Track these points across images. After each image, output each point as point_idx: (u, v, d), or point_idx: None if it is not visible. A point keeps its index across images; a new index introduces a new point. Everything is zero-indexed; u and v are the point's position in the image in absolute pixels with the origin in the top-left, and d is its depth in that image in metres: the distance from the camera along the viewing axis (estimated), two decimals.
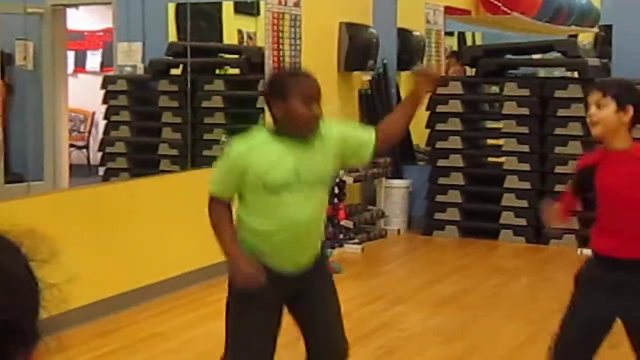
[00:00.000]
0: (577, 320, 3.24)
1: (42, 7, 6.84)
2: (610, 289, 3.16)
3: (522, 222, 7.75)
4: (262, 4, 7.04)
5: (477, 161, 8.26)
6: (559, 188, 7.34)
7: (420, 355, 4.77)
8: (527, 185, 7.72)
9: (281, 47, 7.07)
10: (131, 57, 7.29)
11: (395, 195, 8.27)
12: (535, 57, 9.08)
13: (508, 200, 7.80)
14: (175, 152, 7.18)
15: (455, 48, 10.71)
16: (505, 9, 9.57)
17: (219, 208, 3.12)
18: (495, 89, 8.47)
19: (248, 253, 3.08)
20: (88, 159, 8.01)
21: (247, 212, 3.09)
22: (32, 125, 6.74)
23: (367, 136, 3.22)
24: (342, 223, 7.29)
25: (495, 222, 7.84)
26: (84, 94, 7.77)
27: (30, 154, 6.66)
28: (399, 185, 8.32)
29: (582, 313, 3.23)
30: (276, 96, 3.04)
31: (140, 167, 7.36)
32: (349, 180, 7.41)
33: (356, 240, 7.38)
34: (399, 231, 8.19)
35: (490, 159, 8.43)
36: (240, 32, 7.79)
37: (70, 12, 7.43)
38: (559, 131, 7.38)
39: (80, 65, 8.06)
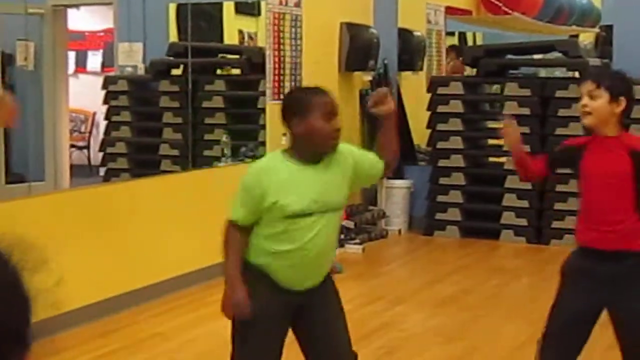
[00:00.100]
0: (563, 311, 3.27)
1: (43, 7, 6.84)
2: (595, 280, 3.19)
3: (523, 222, 7.75)
4: (262, 4, 7.04)
5: (477, 161, 8.26)
6: (559, 188, 7.36)
7: (420, 355, 4.77)
8: (527, 185, 7.70)
9: (282, 47, 7.07)
10: (132, 57, 7.30)
11: (396, 195, 8.27)
12: (536, 57, 9.08)
13: (509, 200, 7.80)
14: (175, 152, 7.19)
15: (457, 44, 10.70)
16: (506, 9, 9.57)
17: (235, 234, 3.11)
18: (496, 89, 8.47)
19: (257, 272, 3.08)
20: (89, 159, 8.02)
21: (263, 235, 3.08)
22: (33, 125, 6.74)
23: (373, 157, 3.26)
24: (343, 223, 7.29)
25: (496, 222, 7.84)
26: (85, 94, 7.77)
27: (30, 154, 6.67)
28: (400, 185, 8.32)
29: (568, 305, 3.25)
30: (295, 113, 3.04)
31: (141, 167, 7.37)
32: None
33: (357, 240, 7.38)
34: (399, 231, 8.19)
35: (491, 159, 8.43)
36: (240, 32, 7.79)
37: (71, 12, 7.43)
38: (559, 131, 7.37)
39: (81, 65, 8.07)
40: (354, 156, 3.19)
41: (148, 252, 5.71)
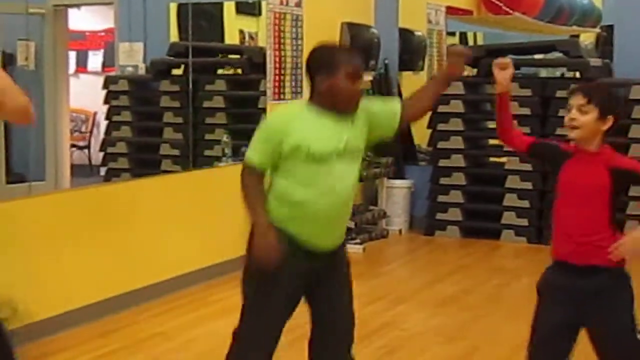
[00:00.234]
0: (542, 329, 3.25)
1: (44, 7, 6.84)
2: (570, 295, 3.17)
3: (524, 222, 7.75)
4: (263, 3, 7.04)
5: (478, 161, 8.25)
6: None
7: (421, 355, 4.76)
8: (528, 185, 7.71)
9: (282, 47, 7.07)
10: (132, 57, 7.30)
11: (396, 195, 8.27)
12: (537, 57, 9.08)
13: (509, 200, 7.80)
14: (176, 152, 7.18)
15: (457, 44, 10.70)
16: (507, 9, 9.56)
17: (252, 178, 3.10)
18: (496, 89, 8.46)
19: (278, 227, 3.08)
20: (89, 158, 8.01)
21: (286, 183, 3.09)
22: (34, 125, 6.73)
23: (393, 109, 3.26)
24: None
25: (497, 222, 7.84)
26: (85, 93, 7.77)
27: (31, 154, 6.67)
28: (401, 185, 8.32)
29: (546, 322, 3.24)
30: (322, 69, 3.07)
31: (142, 167, 7.36)
32: None
33: (357, 240, 7.38)
34: (400, 231, 8.19)
35: (492, 159, 8.43)
36: (241, 32, 7.79)
37: (72, 12, 7.43)
38: (560, 131, 7.31)
39: (82, 65, 8.07)
40: (372, 106, 3.23)
41: (149, 251, 5.71)
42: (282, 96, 7.10)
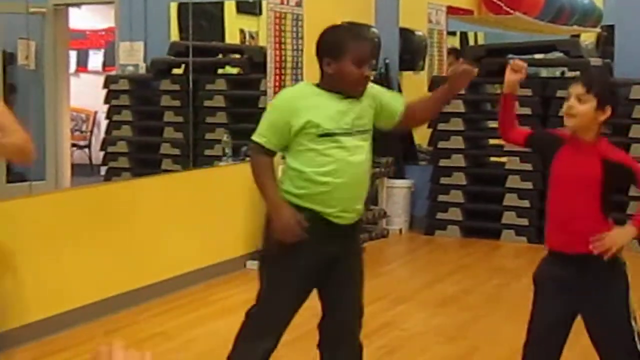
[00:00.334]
0: (539, 319, 3.29)
1: (44, 6, 6.84)
2: (564, 284, 3.21)
3: (524, 221, 7.75)
4: (263, 3, 7.04)
5: (478, 161, 8.25)
6: None
7: (421, 355, 4.76)
8: (528, 185, 7.71)
9: (283, 46, 7.07)
10: (133, 56, 7.30)
11: (396, 194, 8.27)
12: (537, 56, 9.08)
13: (510, 199, 7.80)
14: (176, 152, 7.19)
15: (457, 46, 10.70)
16: (508, 9, 9.55)
17: (262, 159, 3.16)
18: (497, 88, 8.46)
19: (296, 205, 3.14)
20: (90, 158, 8.02)
21: (300, 161, 3.13)
22: (34, 124, 6.74)
23: (396, 107, 3.32)
24: None
25: (497, 221, 7.84)
26: (86, 93, 7.77)
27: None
28: (401, 184, 8.32)
29: (543, 312, 3.28)
30: (330, 53, 3.11)
31: (142, 167, 7.37)
32: None
33: None
34: (400, 231, 8.19)
35: (492, 159, 8.43)
36: (242, 31, 7.79)
37: (72, 11, 7.43)
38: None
39: (82, 65, 8.07)
40: (379, 93, 3.28)
41: (149, 251, 5.71)
42: None
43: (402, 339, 5.01)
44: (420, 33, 9.43)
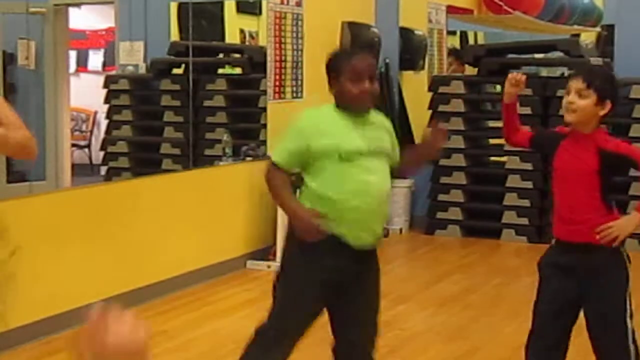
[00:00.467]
0: (542, 307, 3.33)
1: (44, 6, 6.83)
2: (567, 271, 3.25)
3: (524, 221, 7.75)
4: (263, 3, 7.03)
5: (479, 160, 8.25)
6: None
7: (422, 354, 4.77)
8: (529, 185, 7.71)
9: (283, 46, 7.07)
10: (133, 56, 7.29)
11: (397, 194, 8.26)
12: (537, 56, 9.07)
13: (510, 199, 7.80)
14: (176, 151, 7.18)
15: (457, 47, 10.70)
16: (508, 8, 9.55)
17: (278, 174, 3.18)
18: (497, 88, 8.47)
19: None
20: (90, 158, 8.01)
21: (320, 182, 3.15)
22: (34, 124, 6.73)
23: (395, 154, 3.38)
24: None
25: (497, 221, 7.84)
26: (86, 93, 7.77)
27: None
28: (401, 184, 8.31)
29: (546, 299, 3.32)
30: (332, 74, 3.24)
31: (142, 166, 7.36)
32: None
33: None
34: (400, 230, 8.18)
35: (492, 158, 8.43)
36: (242, 31, 7.79)
37: (72, 10, 7.42)
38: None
39: (82, 64, 8.06)
40: (392, 133, 3.36)
41: (150, 251, 5.71)
42: (282, 95, 7.10)
43: (402, 338, 5.01)
44: (420, 32, 9.42)
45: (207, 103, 7.27)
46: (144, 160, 7.54)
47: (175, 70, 7.48)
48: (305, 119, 3.24)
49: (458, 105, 8.06)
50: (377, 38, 8.28)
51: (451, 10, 9.92)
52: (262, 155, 6.87)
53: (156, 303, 5.59)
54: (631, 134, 7.46)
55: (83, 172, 7.48)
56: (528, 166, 7.68)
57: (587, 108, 3.15)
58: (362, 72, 3.16)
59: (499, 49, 8.71)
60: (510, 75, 3.43)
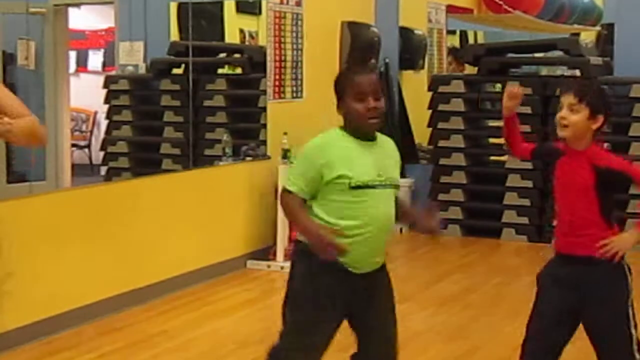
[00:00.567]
0: (539, 317, 3.33)
1: (44, 6, 6.83)
2: (565, 283, 3.25)
3: (524, 220, 7.75)
4: (263, 2, 7.03)
5: (479, 159, 8.25)
6: None
7: (422, 354, 4.76)
8: (529, 184, 7.71)
9: (283, 46, 7.07)
10: (133, 56, 7.29)
11: None
12: (537, 55, 9.07)
13: (510, 198, 7.80)
14: (176, 151, 7.18)
15: (457, 46, 10.70)
16: (507, 7, 9.55)
17: (291, 199, 3.14)
18: (497, 87, 8.47)
19: (319, 258, 3.10)
20: (90, 158, 8.01)
21: (327, 211, 3.11)
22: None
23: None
24: None
25: (498, 220, 7.84)
26: (86, 93, 7.76)
27: (32, 153, 6.66)
28: (401, 183, 8.27)
29: (543, 310, 3.32)
30: (338, 96, 3.18)
31: (142, 166, 7.36)
32: None
33: None
34: (401, 230, 8.17)
35: (492, 158, 8.42)
36: (241, 31, 7.79)
37: (72, 11, 7.42)
38: None
39: (82, 65, 8.06)
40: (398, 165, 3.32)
41: (150, 251, 5.71)
42: (282, 95, 7.10)
43: (402, 338, 4.95)
44: (420, 32, 9.43)
45: (207, 103, 7.27)
46: (144, 160, 7.54)
47: (175, 70, 7.48)
48: (314, 146, 3.17)
49: (458, 105, 8.06)
50: (376, 38, 8.27)
51: (451, 9, 9.92)
52: (262, 155, 6.87)
53: (156, 303, 5.59)
54: (631, 133, 7.46)
55: (83, 172, 7.48)
56: (528, 165, 7.67)
57: (580, 123, 3.18)
58: (365, 90, 3.10)
59: (498, 48, 8.71)
60: (507, 89, 3.44)
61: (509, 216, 7.80)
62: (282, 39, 7.06)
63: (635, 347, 3.20)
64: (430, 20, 9.62)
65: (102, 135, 7.65)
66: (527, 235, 7.70)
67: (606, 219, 3.20)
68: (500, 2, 9.41)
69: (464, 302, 5.85)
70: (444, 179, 8.09)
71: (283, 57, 7.07)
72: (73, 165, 7.11)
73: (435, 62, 9.81)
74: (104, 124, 7.62)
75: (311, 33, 7.41)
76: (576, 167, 3.22)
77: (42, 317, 4.88)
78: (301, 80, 7.30)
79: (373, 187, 3.10)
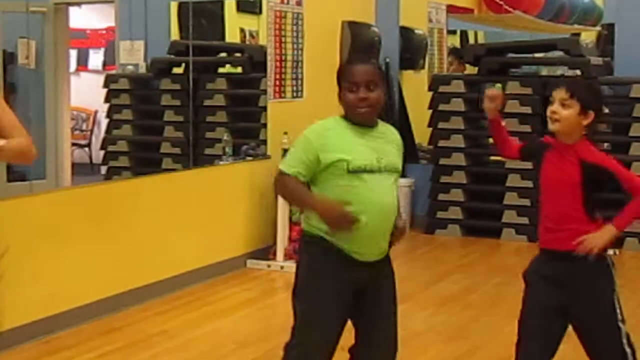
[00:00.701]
0: (528, 316, 3.34)
1: (45, 5, 6.83)
2: (552, 280, 3.28)
3: (524, 220, 7.75)
4: (264, 2, 7.03)
5: (479, 159, 8.25)
6: None
7: (422, 354, 4.77)
8: (529, 184, 7.71)
9: (283, 45, 7.07)
10: (133, 56, 7.29)
11: None
12: (538, 55, 9.07)
13: (510, 198, 7.80)
14: (177, 151, 7.18)
15: (457, 46, 10.70)
16: (508, 7, 9.55)
17: (286, 179, 3.14)
18: (497, 87, 8.45)
19: (321, 245, 3.13)
20: (90, 157, 8.01)
21: (326, 196, 3.12)
22: (34, 123, 6.74)
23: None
24: None
25: (497, 220, 7.84)
26: (86, 92, 7.77)
27: None
28: (401, 183, 8.26)
29: (531, 308, 3.33)
30: (338, 86, 3.20)
31: (142, 166, 7.36)
32: None
33: None
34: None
35: (492, 157, 8.41)
36: (242, 30, 7.78)
37: (73, 10, 7.42)
38: None
39: (83, 64, 8.06)
40: (401, 155, 3.30)
41: (150, 250, 5.71)
42: (282, 95, 7.10)
43: (402, 338, 4.96)
44: (420, 32, 9.42)
45: (207, 102, 7.27)
46: (144, 160, 7.54)
47: (176, 70, 7.48)
48: (313, 131, 3.18)
49: (458, 105, 8.07)
50: (377, 37, 8.27)
51: (451, 9, 9.92)
52: (262, 154, 6.87)
53: (156, 303, 5.59)
54: (631, 133, 7.46)
55: (83, 171, 7.48)
56: (528, 165, 7.56)
57: (570, 118, 3.20)
58: (357, 80, 3.12)
59: (499, 48, 8.71)
60: (486, 92, 3.47)
61: (509, 216, 7.80)
62: (283, 39, 7.06)
63: (624, 340, 3.22)
64: (430, 20, 9.62)
65: (102, 134, 7.65)
66: (527, 235, 7.69)
67: (589, 215, 3.22)
68: (501, 2, 9.41)
69: (464, 302, 5.85)
70: (444, 179, 8.09)
71: (283, 57, 7.07)
72: (73, 164, 7.11)
73: (436, 62, 9.80)
74: (104, 123, 7.62)
75: (311, 33, 7.41)
76: (564, 161, 3.25)
77: (41, 317, 4.88)
78: (301, 79, 7.30)
79: (371, 171, 3.10)
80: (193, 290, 5.91)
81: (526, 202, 7.73)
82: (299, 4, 7.24)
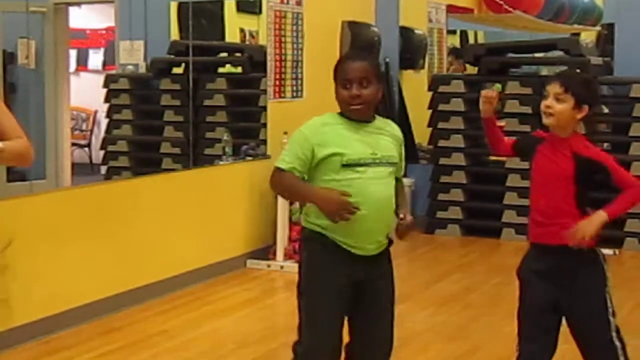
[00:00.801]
0: (528, 315, 3.33)
1: (45, 5, 6.83)
2: (544, 274, 3.27)
3: (524, 220, 7.69)
4: (264, 2, 7.03)
5: (479, 159, 8.25)
6: None
7: (422, 354, 4.77)
8: (529, 184, 7.69)
9: (283, 45, 7.07)
10: (133, 56, 7.29)
11: None
12: (537, 55, 9.07)
13: (510, 198, 7.79)
14: (177, 151, 7.18)
15: (457, 46, 10.70)
16: (508, 7, 9.55)
17: (281, 174, 3.16)
18: (497, 87, 8.46)
19: (319, 240, 3.15)
20: (90, 157, 8.02)
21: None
22: (34, 123, 6.74)
23: (402, 164, 3.35)
24: None
25: (497, 220, 7.84)
26: (86, 92, 7.77)
27: None
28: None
29: (528, 304, 3.33)
30: (335, 82, 3.21)
31: (142, 166, 7.37)
32: None
33: None
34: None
35: (492, 157, 8.41)
36: (242, 30, 7.78)
37: (73, 10, 7.43)
38: None
39: (82, 64, 8.07)
40: (402, 148, 3.31)
41: (150, 250, 5.71)
42: (282, 94, 7.10)
43: (402, 338, 4.98)
44: (420, 32, 9.42)
45: (207, 102, 7.27)
46: (144, 160, 7.54)
47: (175, 70, 7.48)
48: (309, 127, 3.20)
49: (458, 105, 8.07)
50: (377, 37, 8.27)
51: (451, 9, 9.92)
52: (262, 154, 6.87)
53: (156, 302, 5.59)
54: (631, 133, 7.46)
55: (83, 171, 7.48)
56: (528, 165, 7.66)
57: (565, 112, 3.21)
58: (350, 77, 3.12)
59: (499, 48, 8.71)
60: (482, 92, 3.47)
61: (508, 216, 7.80)
62: (283, 39, 7.06)
63: (614, 334, 3.22)
64: (430, 20, 9.62)
65: (102, 134, 7.65)
66: (527, 235, 7.68)
67: (581, 210, 3.22)
68: (501, 2, 9.41)
69: (464, 302, 5.85)
70: (444, 179, 8.09)
71: (283, 57, 7.07)
72: (73, 164, 7.11)
73: (436, 61, 9.80)
74: (104, 123, 7.63)
75: (311, 33, 7.41)
76: (557, 154, 3.25)
77: (41, 317, 4.88)
78: (301, 79, 7.31)
79: (366, 164, 3.11)
80: (193, 290, 5.91)
81: (526, 202, 7.59)
82: (299, 4, 7.24)
